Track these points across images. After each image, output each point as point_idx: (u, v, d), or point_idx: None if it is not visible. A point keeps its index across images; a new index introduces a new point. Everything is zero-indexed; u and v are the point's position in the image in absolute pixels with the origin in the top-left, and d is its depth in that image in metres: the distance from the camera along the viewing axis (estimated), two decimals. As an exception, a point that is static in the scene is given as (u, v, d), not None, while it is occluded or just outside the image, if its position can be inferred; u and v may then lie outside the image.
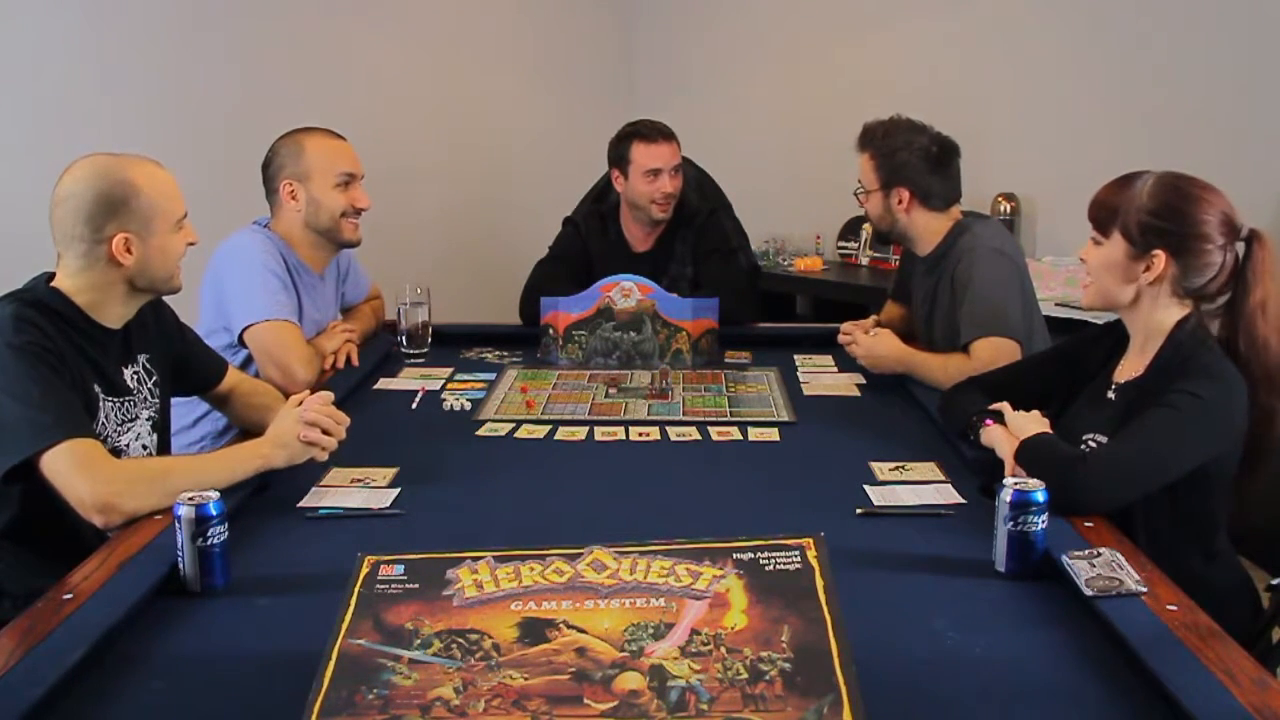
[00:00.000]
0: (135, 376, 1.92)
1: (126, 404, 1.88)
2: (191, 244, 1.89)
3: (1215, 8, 3.65)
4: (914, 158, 2.47)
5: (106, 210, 1.77)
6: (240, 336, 2.38)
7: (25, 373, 1.67)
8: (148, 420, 1.93)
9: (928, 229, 2.52)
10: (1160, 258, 1.74)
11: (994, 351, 2.27)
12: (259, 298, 2.38)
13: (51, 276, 1.82)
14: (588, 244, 3.10)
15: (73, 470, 1.63)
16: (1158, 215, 1.74)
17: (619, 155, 3.02)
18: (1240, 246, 1.77)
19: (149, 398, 1.94)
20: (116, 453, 1.84)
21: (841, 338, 2.58)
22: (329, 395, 1.91)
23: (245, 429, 2.09)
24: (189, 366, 2.08)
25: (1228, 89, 3.62)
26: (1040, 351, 2.23)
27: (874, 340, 2.48)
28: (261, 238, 2.47)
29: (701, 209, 3.16)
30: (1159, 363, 1.77)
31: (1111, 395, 1.86)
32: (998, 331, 2.31)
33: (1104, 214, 1.79)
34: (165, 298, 1.98)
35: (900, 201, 2.49)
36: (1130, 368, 1.85)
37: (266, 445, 1.81)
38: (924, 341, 2.60)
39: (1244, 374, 1.73)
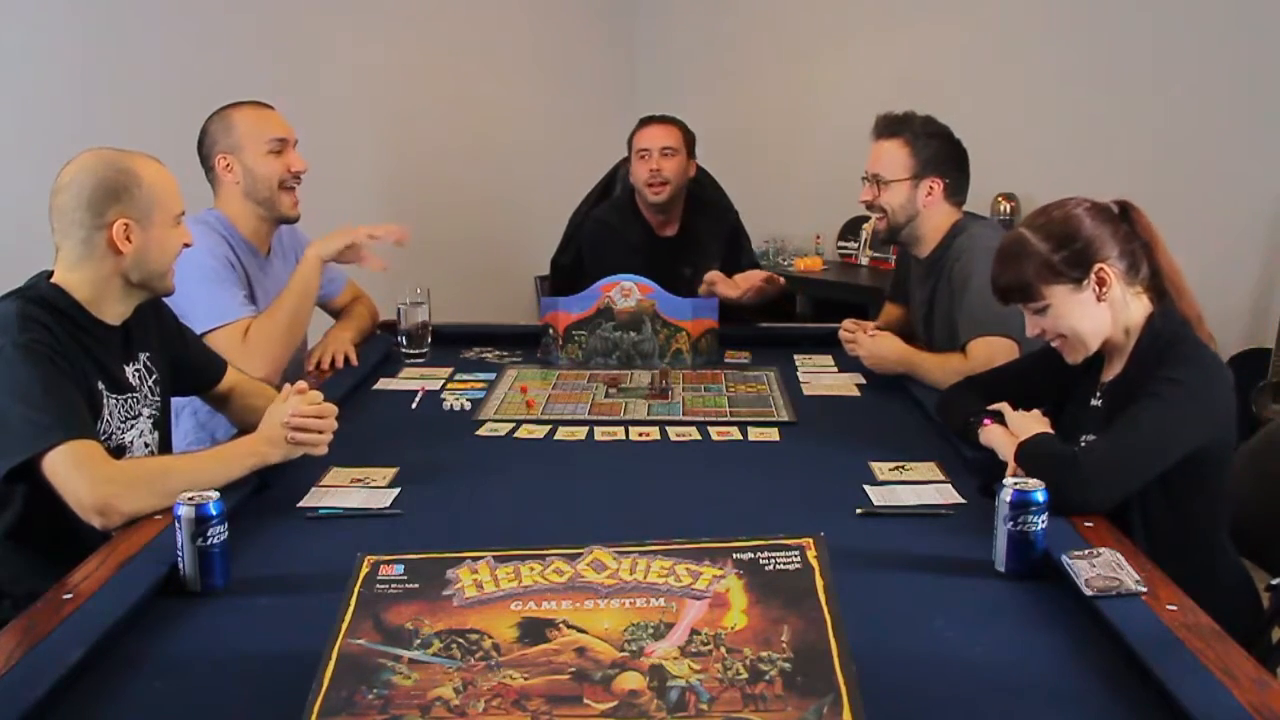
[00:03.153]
0: (137, 374, 1.92)
1: (129, 401, 1.88)
2: (186, 245, 1.91)
3: (1215, 9, 3.65)
4: (948, 149, 2.48)
5: (108, 196, 1.79)
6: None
7: (29, 373, 1.67)
8: (149, 418, 1.94)
9: (936, 227, 2.50)
10: (1103, 269, 1.77)
11: (989, 350, 2.26)
12: (208, 303, 2.32)
13: (51, 274, 1.83)
14: (624, 235, 3.12)
15: (72, 471, 1.63)
16: (1063, 246, 1.78)
17: (629, 146, 3.12)
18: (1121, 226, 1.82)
19: (149, 395, 1.94)
20: (121, 449, 1.85)
21: (843, 334, 2.57)
22: (316, 395, 1.88)
23: (244, 429, 2.08)
24: (189, 367, 2.08)
25: (1227, 89, 3.62)
26: (1035, 351, 2.22)
27: (876, 341, 2.48)
28: (203, 228, 2.37)
29: (731, 210, 3.21)
30: (1139, 354, 1.79)
31: (1099, 396, 1.87)
32: (994, 330, 2.30)
33: (1021, 289, 1.82)
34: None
35: (930, 192, 2.47)
36: (1114, 367, 1.86)
37: (260, 443, 1.82)
38: (924, 342, 2.60)
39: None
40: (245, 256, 2.48)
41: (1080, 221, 1.79)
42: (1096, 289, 1.78)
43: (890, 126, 2.50)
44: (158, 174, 1.85)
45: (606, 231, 3.17)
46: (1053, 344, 1.86)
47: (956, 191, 2.50)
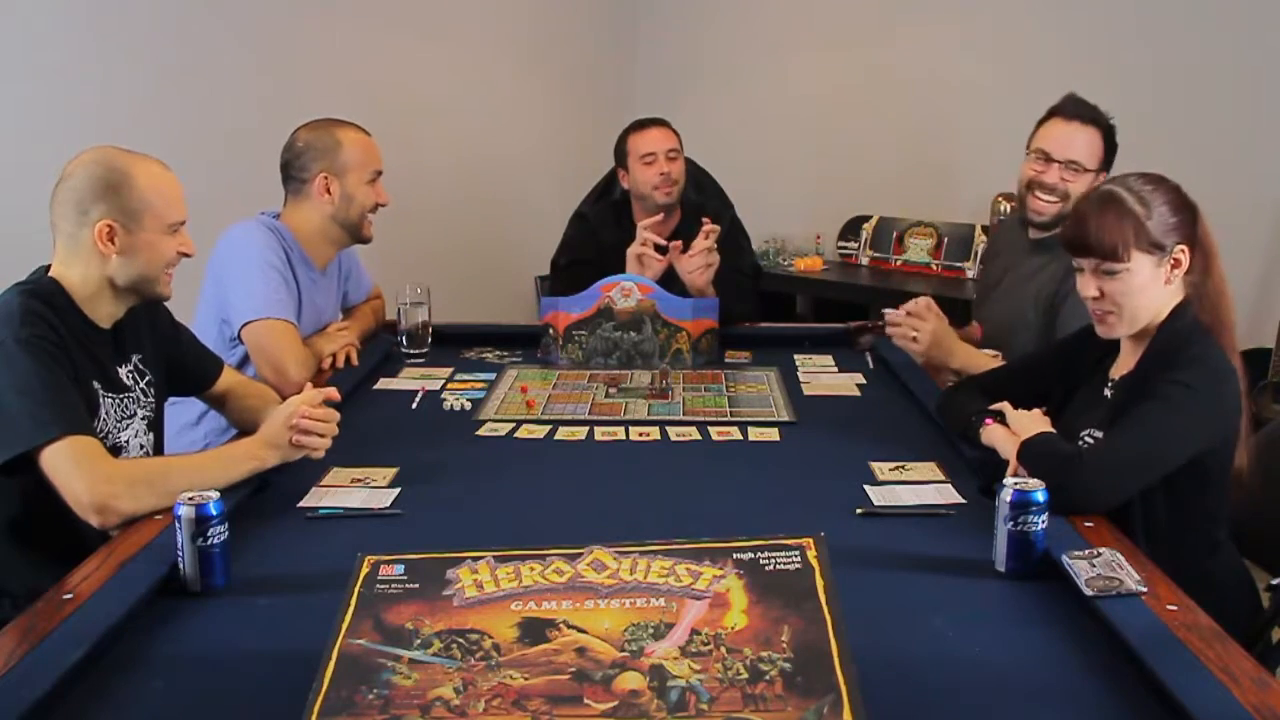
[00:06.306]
0: (130, 375, 1.92)
1: (124, 400, 1.88)
2: (186, 255, 1.88)
3: (1215, 8, 3.65)
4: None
5: (96, 195, 1.77)
6: (239, 333, 2.38)
7: (31, 367, 1.67)
8: (143, 419, 1.93)
9: None
10: (1184, 251, 1.75)
11: None
12: (259, 295, 2.37)
13: (49, 268, 1.83)
14: (599, 236, 3.11)
15: (71, 468, 1.63)
16: (1164, 216, 1.74)
17: (619, 154, 3.08)
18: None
19: (142, 397, 1.94)
20: (117, 449, 1.85)
21: (902, 320, 2.37)
22: (318, 395, 1.88)
23: (242, 430, 2.08)
24: (184, 367, 2.08)
25: (1228, 89, 3.63)
26: (1036, 350, 2.22)
27: (943, 331, 2.34)
28: (264, 230, 2.45)
29: (724, 214, 3.18)
30: (1152, 352, 1.78)
31: (1108, 391, 1.86)
32: None
33: (1111, 248, 1.72)
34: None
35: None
36: (1125, 362, 1.85)
37: (259, 446, 1.81)
38: (976, 310, 2.53)
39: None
40: (300, 269, 2.49)
41: (1179, 199, 1.75)
42: (1169, 270, 1.75)
43: (1093, 113, 2.42)
44: (154, 178, 1.83)
45: (584, 229, 3.16)
46: (1095, 312, 1.79)
47: None
